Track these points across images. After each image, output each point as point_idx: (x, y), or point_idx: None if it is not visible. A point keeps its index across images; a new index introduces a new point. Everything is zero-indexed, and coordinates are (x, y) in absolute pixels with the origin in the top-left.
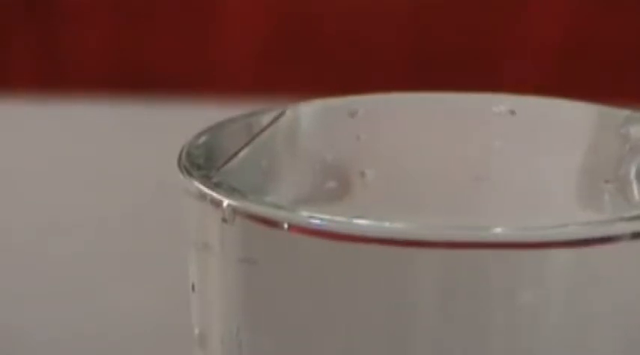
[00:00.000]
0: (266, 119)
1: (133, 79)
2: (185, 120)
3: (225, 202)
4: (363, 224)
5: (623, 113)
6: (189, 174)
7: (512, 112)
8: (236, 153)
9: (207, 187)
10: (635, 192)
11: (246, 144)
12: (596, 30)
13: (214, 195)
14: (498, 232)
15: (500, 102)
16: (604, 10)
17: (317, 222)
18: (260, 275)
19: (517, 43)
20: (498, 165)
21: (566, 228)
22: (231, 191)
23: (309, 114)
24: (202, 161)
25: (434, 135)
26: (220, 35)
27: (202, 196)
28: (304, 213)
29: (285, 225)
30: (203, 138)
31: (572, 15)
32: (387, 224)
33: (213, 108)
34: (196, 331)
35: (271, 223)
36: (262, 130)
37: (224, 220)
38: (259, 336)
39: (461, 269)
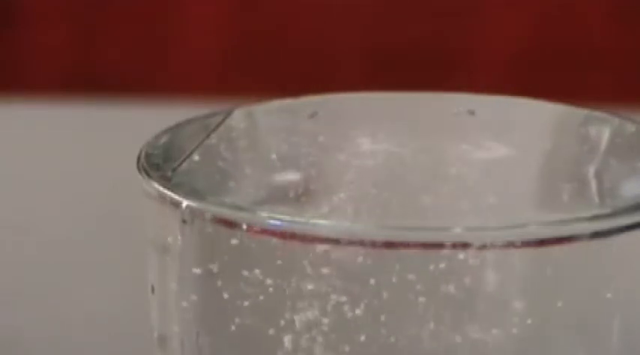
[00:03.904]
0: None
1: (93, 80)
2: (145, 121)
3: (185, 203)
4: (322, 225)
5: (582, 113)
6: (148, 175)
7: (472, 112)
8: (190, 154)
9: (166, 188)
10: (594, 192)
11: (199, 145)
12: (556, 34)
13: (173, 196)
14: (458, 232)
15: (460, 102)
16: (564, 14)
17: (276, 222)
18: (219, 277)
19: (478, 45)
20: (458, 165)
21: (525, 227)
22: (191, 192)
23: (268, 114)
24: (161, 162)
25: (393, 135)
26: (182, 36)
27: (161, 197)
28: (263, 214)
29: (244, 226)
30: (162, 140)
31: (534, 17)
32: (346, 224)
33: (174, 110)
34: (156, 334)
35: (230, 224)
36: (212, 131)
37: (183, 221)
38: (219, 339)
39: (421, 270)
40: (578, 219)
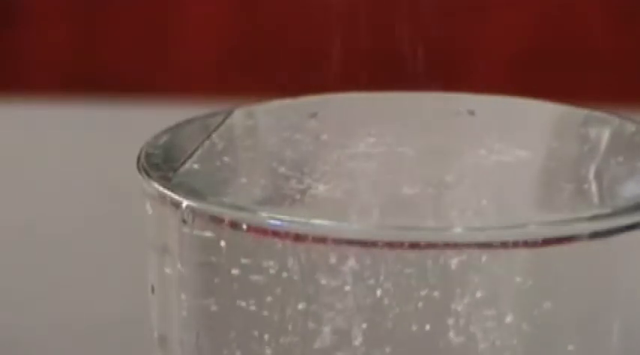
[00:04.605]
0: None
1: (93, 80)
2: (145, 121)
3: (185, 203)
4: (322, 225)
5: (582, 113)
6: (148, 175)
7: (472, 112)
8: (192, 154)
9: (166, 188)
10: (594, 192)
11: (200, 145)
12: (556, 34)
13: (173, 196)
14: (458, 232)
15: (460, 102)
16: (564, 14)
17: (276, 222)
18: (219, 277)
19: (478, 45)
20: (458, 165)
21: (525, 227)
22: (191, 192)
23: (268, 114)
24: (161, 162)
25: (393, 135)
26: (182, 36)
27: (161, 197)
28: (263, 214)
29: (244, 226)
30: (162, 139)
31: (534, 17)
32: (346, 224)
33: (174, 110)
34: (156, 334)
35: (230, 224)
36: (213, 131)
37: (183, 221)
38: (219, 339)
39: (420, 270)
40: (578, 219)
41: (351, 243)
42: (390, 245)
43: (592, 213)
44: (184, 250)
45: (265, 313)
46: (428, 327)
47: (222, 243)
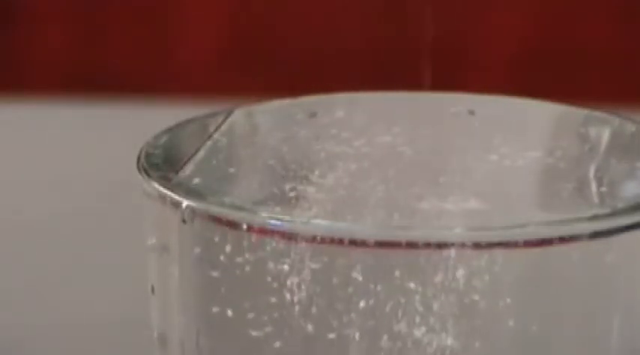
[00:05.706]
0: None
1: (93, 80)
2: (145, 121)
3: (185, 203)
4: (322, 225)
5: (582, 113)
6: (148, 175)
7: (472, 112)
8: (194, 155)
9: (166, 188)
10: (594, 192)
11: (202, 145)
12: (556, 34)
13: (173, 196)
14: (458, 232)
15: (460, 102)
16: (565, 14)
17: (276, 222)
18: (219, 277)
19: (478, 45)
20: (458, 165)
21: (525, 227)
22: (190, 192)
23: (268, 114)
24: (161, 162)
25: (393, 134)
26: (182, 36)
27: (161, 197)
28: (263, 214)
29: (244, 226)
30: (162, 139)
31: (534, 17)
32: (346, 224)
33: (174, 110)
34: (156, 334)
35: (230, 224)
36: (214, 131)
37: (183, 221)
38: (219, 339)
39: (421, 270)
40: (578, 219)
41: (351, 243)
42: (390, 245)
43: (592, 213)
44: (184, 250)
45: (265, 313)
46: (428, 325)
47: (222, 243)
